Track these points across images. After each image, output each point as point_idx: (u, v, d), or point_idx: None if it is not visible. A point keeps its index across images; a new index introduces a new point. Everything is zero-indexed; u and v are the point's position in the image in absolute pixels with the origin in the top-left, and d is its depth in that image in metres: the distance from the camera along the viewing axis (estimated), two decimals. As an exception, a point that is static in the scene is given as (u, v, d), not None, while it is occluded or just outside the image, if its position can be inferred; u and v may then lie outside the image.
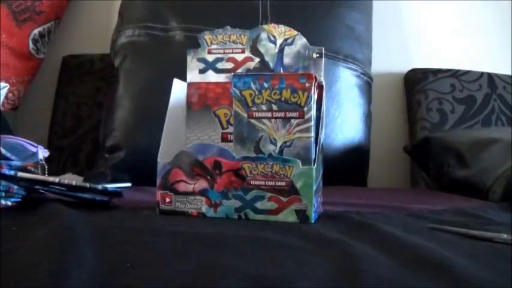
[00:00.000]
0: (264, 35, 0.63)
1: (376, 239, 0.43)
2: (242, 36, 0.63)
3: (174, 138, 0.61)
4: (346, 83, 1.14)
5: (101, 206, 0.59)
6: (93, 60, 1.29)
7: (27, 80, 1.23)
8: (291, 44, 0.62)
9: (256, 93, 0.56)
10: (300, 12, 1.13)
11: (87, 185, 0.58)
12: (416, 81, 1.34)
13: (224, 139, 0.61)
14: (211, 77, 0.63)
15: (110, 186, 0.64)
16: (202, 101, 0.62)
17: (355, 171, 1.16)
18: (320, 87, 0.59)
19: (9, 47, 1.15)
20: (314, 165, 0.54)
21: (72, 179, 0.71)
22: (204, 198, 0.55)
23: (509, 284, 0.31)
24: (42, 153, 0.73)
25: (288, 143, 0.56)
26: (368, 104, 1.20)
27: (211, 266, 0.33)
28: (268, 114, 0.56)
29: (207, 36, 0.64)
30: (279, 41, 0.62)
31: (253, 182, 0.54)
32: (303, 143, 0.56)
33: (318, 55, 0.61)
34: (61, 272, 0.30)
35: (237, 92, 0.57)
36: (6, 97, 1.16)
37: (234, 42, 0.63)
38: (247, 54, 0.63)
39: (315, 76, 0.57)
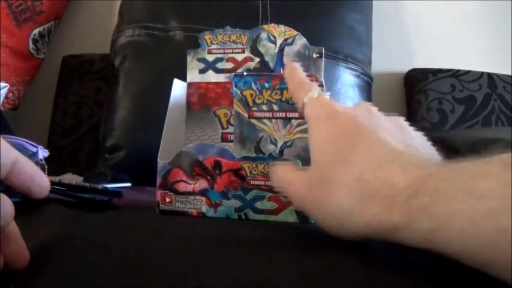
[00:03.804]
0: (264, 35, 0.63)
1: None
2: (242, 36, 0.63)
3: (174, 138, 0.61)
4: (346, 83, 1.14)
5: (101, 206, 0.59)
6: (93, 60, 1.29)
7: (27, 80, 1.23)
8: (291, 44, 0.62)
9: (257, 93, 0.56)
10: (300, 12, 1.13)
11: (87, 185, 0.58)
12: (416, 81, 1.35)
13: (224, 139, 0.61)
14: (211, 77, 0.63)
15: (110, 186, 0.64)
16: (202, 101, 0.62)
17: (355, 171, 1.16)
18: (320, 87, 0.59)
19: (9, 47, 1.15)
20: (314, 165, 0.54)
21: (72, 179, 0.71)
22: (204, 198, 0.55)
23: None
24: (42, 153, 0.73)
25: (288, 143, 0.56)
26: (368, 104, 1.19)
27: (211, 266, 0.33)
28: (269, 115, 0.56)
29: (207, 36, 0.64)
30: (279, 41, 0.62)
31: (253, 182, 0.54)
32: (304, 143, 0.56)
33: (318, 55, 0.61)
34: (61, 273, 0.30)
35: (238, 92, 0.57)
36: (6, 97, 1.16)
37: (234, 42, 0.63)
38: (247, 54, 0.63)
39: (315, 76, 0.57)
